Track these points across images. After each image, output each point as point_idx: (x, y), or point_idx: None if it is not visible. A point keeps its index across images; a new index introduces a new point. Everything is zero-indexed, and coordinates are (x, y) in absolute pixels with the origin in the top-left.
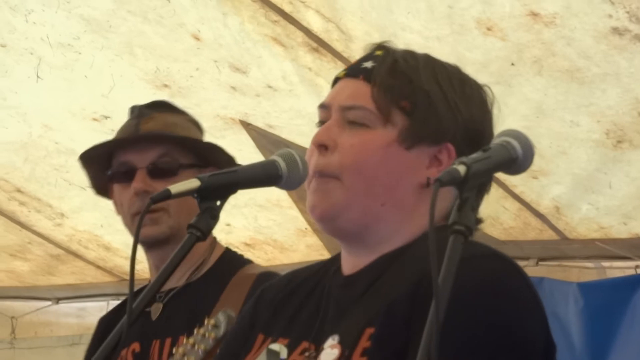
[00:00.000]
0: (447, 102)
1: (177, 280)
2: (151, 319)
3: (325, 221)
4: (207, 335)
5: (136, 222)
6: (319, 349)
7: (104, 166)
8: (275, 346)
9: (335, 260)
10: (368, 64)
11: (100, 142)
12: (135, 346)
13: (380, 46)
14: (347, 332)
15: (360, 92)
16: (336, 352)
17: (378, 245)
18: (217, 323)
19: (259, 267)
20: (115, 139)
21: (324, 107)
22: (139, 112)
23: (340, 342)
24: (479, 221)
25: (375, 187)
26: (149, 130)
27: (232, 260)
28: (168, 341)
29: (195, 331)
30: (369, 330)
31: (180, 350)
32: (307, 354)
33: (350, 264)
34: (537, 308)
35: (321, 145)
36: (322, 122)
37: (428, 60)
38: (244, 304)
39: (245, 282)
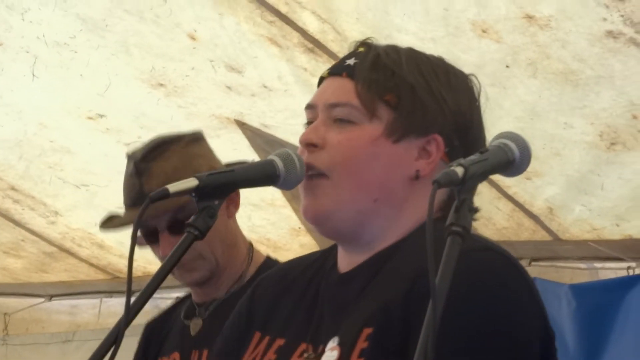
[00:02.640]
0: (432, 93)
1: (217, 292)
2: (190, 334)
3: (319, 223)
4: None
5: (174, 275)
6: (317, 350)
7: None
8: None
9: (331, 253)
10: (350, 61)
11: (112, 216)
12: (176, 356)
13: (363, 43)
14: (346, 333)
15: (344, 89)
16: (336, 354)
17: (373, 243)
18: None
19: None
20: (126, 215)
21: (310, 107)
22: (136, 170)
23: (340, 344)
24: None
25: (366, 183)
26: (154, 192)
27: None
28: (205, 352)
29: None
30: (367, 331)
31: None
32: (305, 355)
33: (346, 262)
34: (534, 299)
35: (309, 144)
36: (309, 123)
37: (411, 53)
38: None
39: None
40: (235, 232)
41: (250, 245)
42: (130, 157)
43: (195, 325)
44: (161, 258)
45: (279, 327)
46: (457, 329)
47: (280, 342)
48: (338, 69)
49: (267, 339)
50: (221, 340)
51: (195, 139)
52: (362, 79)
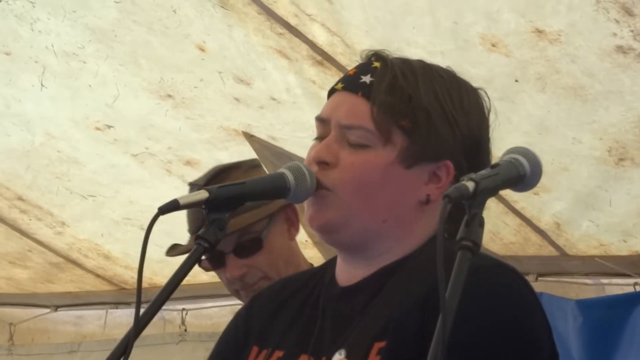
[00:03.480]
0: (446, 119)
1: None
2: None
3: (325, 232)
4: None
5: (245, 296)
6: None
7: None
8: None
9: (328, 268)
10: (366, 79)
11: (175, 245)
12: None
13: (378, 56)
14: (355, 346)
15: (359, 110)
16: None
17: (377, 258)
18: None
19: None
20: (190, 242)
21: (322, 120)
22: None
23: (348, 357)
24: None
25: (376, 206)
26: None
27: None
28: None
29: None
30: (378, 345)
31: None
32: None
33: (347, 275)
34: (543, 315)
35: (321, 162)
36: (320, 138)
37: (426, 72)
38: None
39: None
40: (297, 253)
41: (311, 266)
42: (192, 185)
43: None
44: (227, 280)
45: (277, 339)
46: (471, 345)
47: (279, 354)
48: (354, 87)
49: (265, 351)
50: (216, 355)
51: (254, 166)
52: (378, 103)
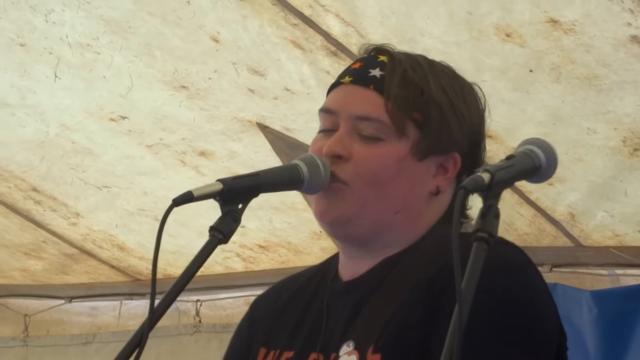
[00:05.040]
0: (454, 112)
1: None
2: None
3: (336, 227)
4: None
5: None
6: (330, 358)
7: None
8: None
9: (330, 265)
10: (376, 72)
11: None
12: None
13: (382, 50)
14: (362, 338)
15: (372, 103)
16: (354, 358)
17: (382, 250)
18: None
19: None
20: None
21: (329, 112)
22: None
23: (357, 348)
24: None
25: (389, 197)
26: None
27: None
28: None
29: None
30: (384, 335)
31: None
32: None
33: (350, 269)
34: (547, 293)
35: (334, 156)
36: (327, 130)
37: (431, 67)
38: None
39: None
40: None
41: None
42: None
43: None
44: None
45: (285, 340)
46: (474, 322)
47: (288, 354)
48: (364, 80)
49: (273, 352)
50: None
51: None
52: (392, 96)
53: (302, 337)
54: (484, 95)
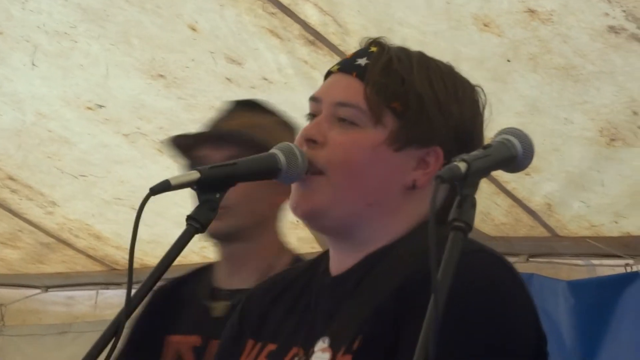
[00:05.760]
0: (438, 106)
1: (242, 282)
2: (211, 315)
3: (309, 219)
4: None
5: None
6: (308, 353)
7: (184, 155)
8: None
9: (323, 259)
10: (362, 61)
11: (185, 134)
12: (196, 340)
13: (376, 42)
14: (337, 335)
15: (352, 89)
16: (327, 356)
17: (363, 244)
18: None
19: None
20: (196, 132)
21: (315, 100)
22: (228, 109)
23: (331, 346)
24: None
25: (362, 187)
26: (226, 129)
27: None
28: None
29: None
30: (360, 333)
31: None
32: (296, 359)
33: (337, 264)
34: (526, 300)
35: (310, 140)
36: (311, 115)
37: (422, 60)
38: None
39: None
40: (274, 217)
41: (284, 242)
42: (232, 101)
43: (219, 307)
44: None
45: (271, 333)
46: (447, 330)
47: (271, 347)
48: (348, 67)
49: (259, 345)
50: (217, 356)
51: (290, 130)
52: (371, 83)
53: (287, 331)
54: (486, 98)
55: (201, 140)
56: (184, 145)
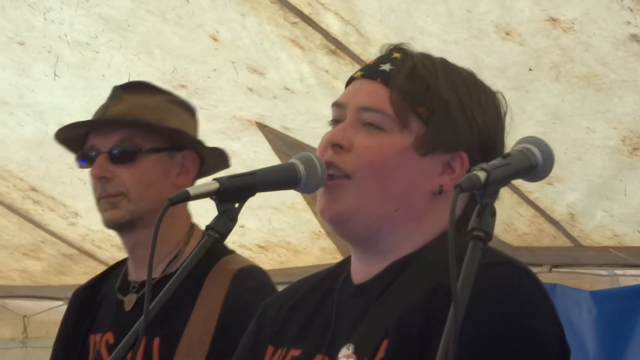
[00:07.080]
0: (463, 111)
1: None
2: (124, 310)
3: (336, 224)
4: None
5: (101, 206)
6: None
7: (78, 147)
8: None
9: (343, 267)
10: (386, 67)
11: (68, 124)
12: (109, 337)
13: (398, 48)
14: (363, 343)
15: (378, 94)
16: None
17: (389, 252)
18: None
19: (240, 260)
20: (79, 121)
21: (338, 105)
22: (112, 94)
23: (356, 352)
24: None
25: (389, 192)
26: (113, 114)
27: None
28: (142, 343)
29: None
30: (385, 342)
31: None
32: None
33: (361, 272)
34: (552, 313)
35: (336, 145)
36: (335, 121)
37: (445, 66)
38: (224, 304)
39: (223, 279)
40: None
41: (192, 224)
42: (114, 86)
43: (129, 301)
44: (92, 179)
45: (293, 339)
46: (477, 343)
47: (295, 352)
48: (373, 73)
49: (281, 350)
50: None
51: (187, 109)
52: (397, 88)
53: (310, 337)
54: (506, 104)
55: (89, 130)
56: (71, 137)
